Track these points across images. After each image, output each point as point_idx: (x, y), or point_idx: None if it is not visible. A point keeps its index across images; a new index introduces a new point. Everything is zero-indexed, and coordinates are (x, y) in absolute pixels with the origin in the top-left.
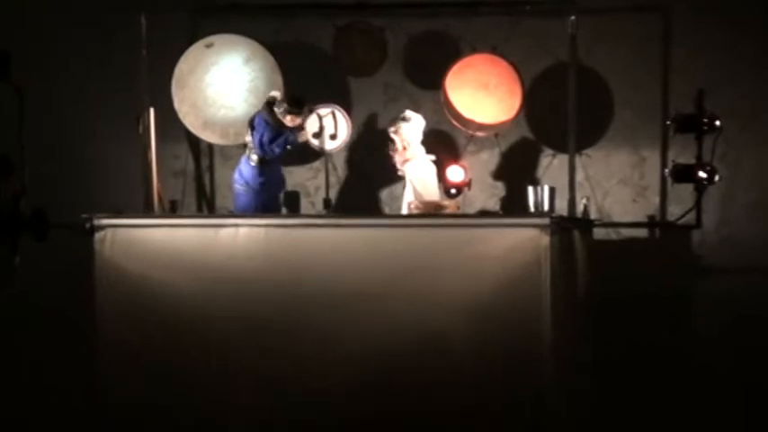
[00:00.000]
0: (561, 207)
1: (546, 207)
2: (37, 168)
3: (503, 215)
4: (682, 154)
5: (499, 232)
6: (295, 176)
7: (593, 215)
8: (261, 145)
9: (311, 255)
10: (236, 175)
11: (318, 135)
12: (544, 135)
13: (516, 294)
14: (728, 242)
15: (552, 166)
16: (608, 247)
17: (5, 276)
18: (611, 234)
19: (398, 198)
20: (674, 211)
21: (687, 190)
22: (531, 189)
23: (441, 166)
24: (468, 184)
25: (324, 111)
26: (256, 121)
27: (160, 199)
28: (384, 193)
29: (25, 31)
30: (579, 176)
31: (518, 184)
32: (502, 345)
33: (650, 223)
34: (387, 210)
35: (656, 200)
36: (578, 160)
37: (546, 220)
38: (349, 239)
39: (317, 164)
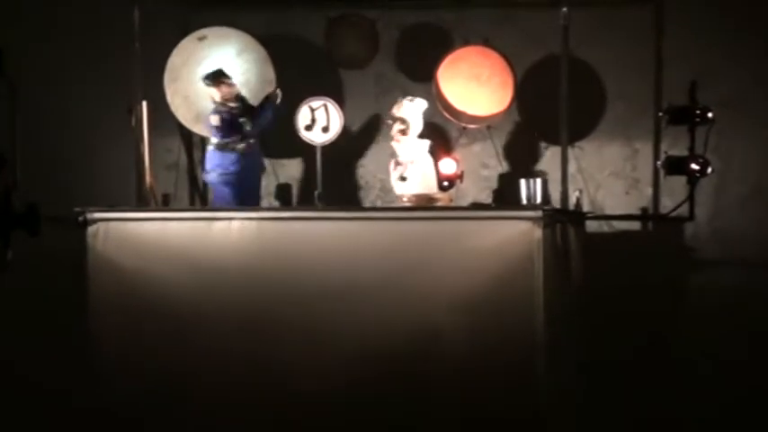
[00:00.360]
0: (554, 199)
1: (538, 199)
2: (29, 162)
3: (495, 208)
4: (674, 146)
5: (492, 225)
6: (287, 169)
7: (585, 207)
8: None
9: (304, 248)
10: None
11: (310, 128)
12: (536, 127)
13: (509, 287)
14: (721, 234)
15: (545, 158)
16: (601, 240)
17: None
18: (604, 226)
19: (391, 191)
20: (666, 204)
21: (680, 182)
22: (523, 182)
23: (433, 159)
24: (460, 176)
25: (316, 103)
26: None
27: (153, 192)
28: (377, 186)
29: (17, 25)
30: (572, 168)
31: (510, 176)
32: (495, 338)
33: (643, 216)
34: (380, 202)
35: (649, 192)
36: (571, 152)
37: (538, 213)
38: (341, 232)
39: (309, 156)
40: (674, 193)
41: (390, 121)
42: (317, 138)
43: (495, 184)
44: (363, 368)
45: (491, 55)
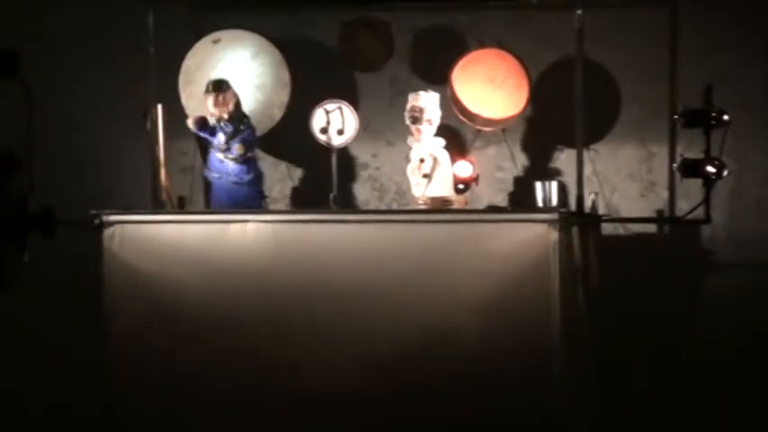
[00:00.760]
0: (569, 202)
1: (554, 202)
2: (44, 165)
3: (511, 211)
4: (690, 149)
5: (507, 228)
6: (301, 173)
7: (601, 210)
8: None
9: (319, 251)
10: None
11: (325, 131)
12: (551, 130)
13: (525, 290)
14: (737, 237)
15: (560, 160)
16: (616, 243)
17: (13, 274)
18: (620, 229)
19: (406, 194)
20: (682, 206)
21: (696, 185)
22: (538, 184)
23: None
24: (475, 179)
25: (330, 106)
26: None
27: (169, 195)
28: (392, 189)
29: (32, 28)
30: (587, 171)
31: (526, 179)
32: (511, 341)
33: (659, 218)
34: (395, 205)
35: (665, 195)
36: (586, 155)
37: (554, 216)
38: (357, 235)
39: (324, 159)
40: (689, 195)
41: (410, 115)
42: (332, 140)
43: (510, 187)
44: (379, 371)
45: (506, 57)
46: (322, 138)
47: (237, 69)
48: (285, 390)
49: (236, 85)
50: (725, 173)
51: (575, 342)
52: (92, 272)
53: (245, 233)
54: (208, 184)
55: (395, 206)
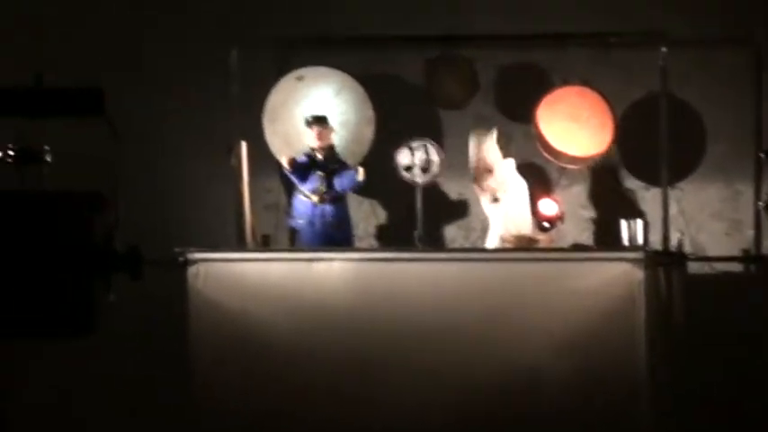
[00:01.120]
0: (654, 240)
1: (639, 241)
2: (129, 203)
3: (596, 249)
4: None
5: (593, 266)
6: (387, 210)
7: (686, 249)
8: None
9: (404, 289)
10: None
11: (410, 168)
12: (636, 168)
13: (611, 328)
14: None
15: (645, 199)
16: (702, 282)
17: (99, 315)
18: (705, 268)
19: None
20: None
21: None
22: (624, 223)
23: (533, 200)
24: (560, 217)
25: (415, 144)
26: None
27: (253, 233)
28: (477, 227)
29: (118, 67)
30: (672, 210)
31: (611, 217)
32: (596, 380)
33: (745, 257)
34: (480, 243)
35: (751, 233)
36: (671, 193)
37: (640, 254)
38: (442, 274)
39: (409, 197)
40: None
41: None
42: (416, 178)
43: (595, 226)
44: (464, 409)
45: (590, 95)
46: (407, 175)
47: (321, 106)
48: (369, 428)
49: None
50: None
51: (660, 381)
52: (176, 309)
53: (329, 271)
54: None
55: (480, 244)
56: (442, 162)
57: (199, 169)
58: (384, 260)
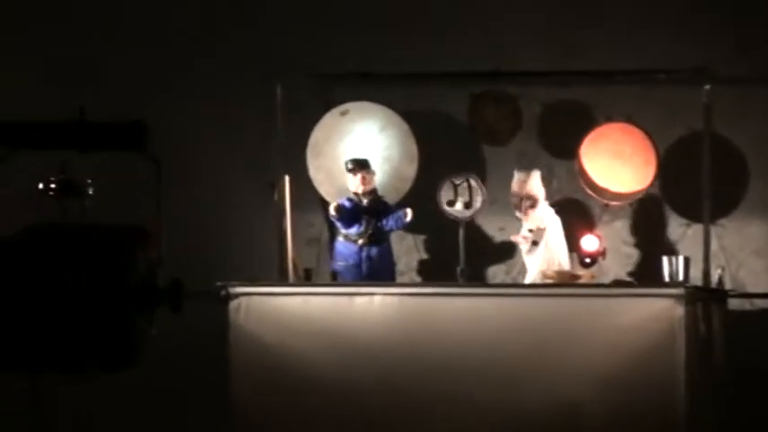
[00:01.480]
0: (695, 277)
1: (681, 277)
2: (172, 237)
3: (637, 285)
4: None
5: (634, 302)
6: (429, 245)
7: (727, 285)
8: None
9: (446, 324)
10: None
11: (453, 203)
12: (678, 204)
13: (651, 365)
14: None
15: (686, 235)
16: (742, 318)
17: (142, 348)
18: (746, 305)
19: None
20: None
21: None
22: (665, 259)
23: (575, 236)
24: (602, 253)
25: (458, 179)
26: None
27: (295, 267)
28: (519, 262)
29: (161, 100)
30: (713, 246)
31: (652, 253)
32: (636, 417)
33: None
34: (521, 279)
35: None
36: (713, 230)
37: (681, 290)
38: (484, 309)
39: (451, 232)
40: None
41: (516, 200)
42: (459, 213)
43: (636, 262)
44: None
45: (634, 132)
46: (449, 210)
47: (365, 142)
48: None
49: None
50: None
51: (701, 417)
52: (218, 343)
53: (370, 306)
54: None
55: (520, 279)
56: (485, 198)
57: (242, 204)
58: (425, 295)
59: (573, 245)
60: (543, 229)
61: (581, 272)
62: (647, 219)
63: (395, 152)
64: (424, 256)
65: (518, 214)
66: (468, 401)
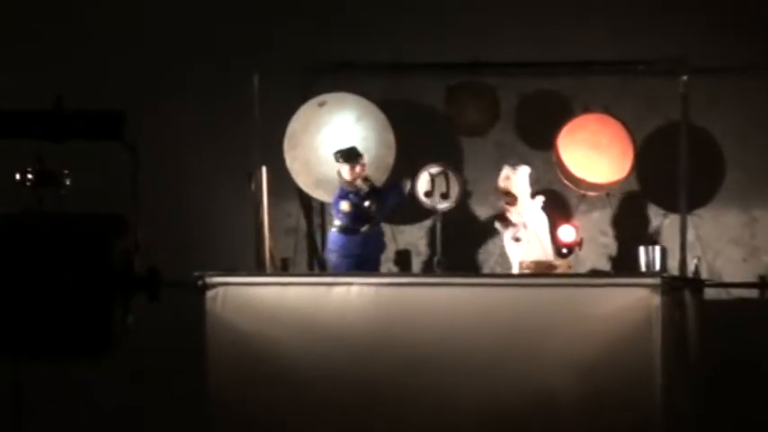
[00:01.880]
0: (672, 267)
1: (657, 267)
2: (149, 226)
3: (614, 275)
4: None
5: (610, 292)
6: (406, 235)
7: (703, 275)
8: (337, 211)
9: (422, 314)
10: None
11: (430, 194)
12: (655, 195)
13: (627, 354)
14: None
15: (663, 225)
16: (719, 307)
17: (118, 337)
18: (722, 294)
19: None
20: None
21: None
22: (642, 249)
23: (552, 226)
24: (579, 243)
25: (435, 170)
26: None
27: (272, 257)
28: (495, 253)
29: (138, 89)
30: (690, 236)
31: (629, 243)
32: (612, 404)
33: (761, 284)
34: (498, 270)
35: (767, 260)
36: (689, 220)
37: (657, 280)
38: (460, 299)
39: (428, 223)
40: None
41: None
42: (436, 204)
43: (613, 252)
44: None
45: (611, 123)
46: (426, 201)
47: (342, 132)
48: None
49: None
50: None
51: (675, 406)
52: (195, 332)
53: (348, 295)
54: (313, 247)
55: (498, 269)
56: (462, 189)
57: (219, 193)
58: (402, 285)
59: (550, 235)
60: (523, 225)
61: (557, 262)
62: (624, 209)
63: (372, 143)
64: (401, 246)
65: (498, 224)
66: (445, 390)
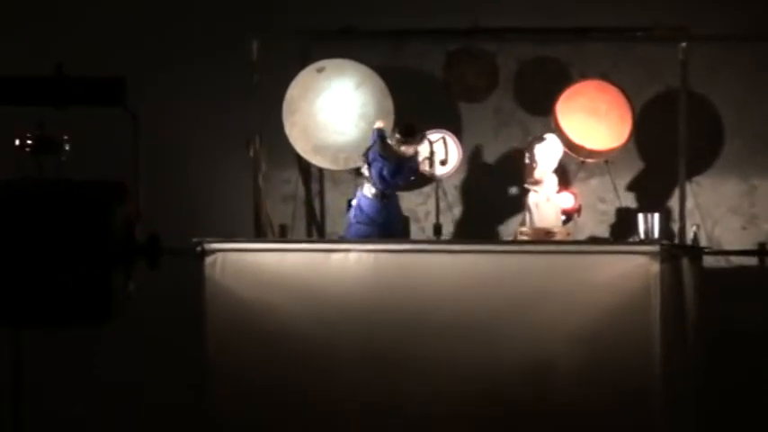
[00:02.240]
0: (671, 234)
1: (656, 234)
2: (148, 192)
3: (612, 242)
4: None
5: (609, 259)
6: (405, 202)
7: (702, 243)
8: (382, 178)
9: (421, 281)
10: (355, 212)
11: (429, 160)
12: (654, 162)
13: (626, 322)
14: None
15: (662, 193)
16: (718, 275)
17: (119, 304)
18: (721, 262)
19: (509, 225)
20: None
21: None
22: (640, 216)
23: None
24: (578, 210)
25: (434, 136)
26: (371, 155)
27: (270, 224)
28: (495, 220)
29: (138, 55)
30: (689, 204)
31: (628, 210)
32: (611, 372)
33: (761, 251)
34: (499, 237)
35: (767, 227)
36: (688, 188)
37: (656, 248)
38: (458, 265)
39: (427, 189)
40: None
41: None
42: (435, 170)
43: (612, 219)
44: (479, 399)
45: (609, 89)
46: (426, 168)
47: (341, 99)
48: (384, 419)
49: (339, 115)
50: None
51: (674, 374)
52: (194, 298)
53: (347, 262)
54: (311, 214)
55: (499, 237)
56: (461, 155)
57: (218, 160)
58: (401, 251)
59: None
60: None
61: (556, 229)
62: (623, 176)
63: (371, 109)
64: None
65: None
66: (443, 358)
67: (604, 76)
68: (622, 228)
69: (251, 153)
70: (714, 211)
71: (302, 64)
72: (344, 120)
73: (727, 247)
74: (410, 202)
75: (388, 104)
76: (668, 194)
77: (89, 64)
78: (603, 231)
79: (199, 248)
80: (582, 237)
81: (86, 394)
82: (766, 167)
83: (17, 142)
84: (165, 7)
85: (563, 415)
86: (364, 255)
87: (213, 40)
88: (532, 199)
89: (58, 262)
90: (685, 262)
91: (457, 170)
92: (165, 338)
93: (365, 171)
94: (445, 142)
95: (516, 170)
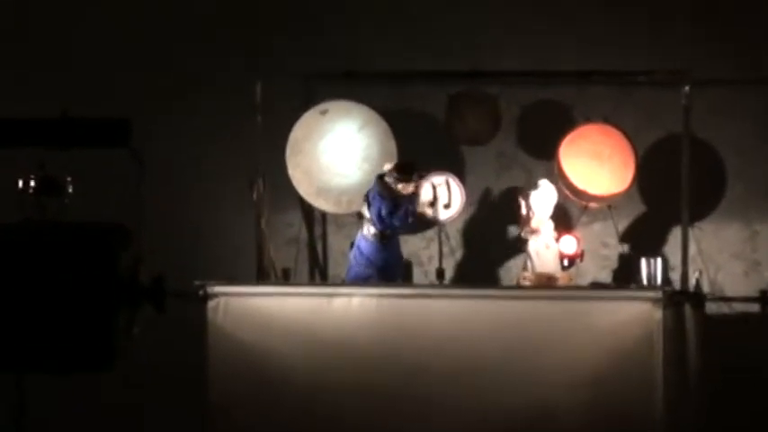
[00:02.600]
0: (674, 280)
1: (659, 280)
2: (151, 235)
3: (615, 288)
4: None
5: (611, 305)
6: (408, 246)
7: (705, 289)
8: (380, 219)
9: (423, 325)
10: (355, 253)
11: (432, 204)
12: (657, 207)
13: (628, 368)
14: None
15: (665, 238)
16: (720, 321)
17: (123, 347)
18: (724, 308)
19: (512, 269)
20: None
21: None
22: (643, 261)
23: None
24: (580, 255)
25: (437, 180)
26: (371, 195)
27: (273, 268)
28: (497, 265)
29: (143, 97)
30: (691, 250)
31: (631, 256)
32: (614, 417)
33: (763, 298)
34: (501, 282)
35: None
36: (690, 233)
37: (659, 294)
38: (461, 310)
39: (431, 233)
40: None
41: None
42: (438, 214)
43: (615, 263)
44: None
45: (612, 133)
46: (429, 212)
47: (345, 141)
48: None
49: (342, 157)
50: None
51: (677, 420)
52: (196, 342)
53: (349, 306)
54: (314, 257)
55: (501, 282)
56: (464, 198)
57: (222, 202)
58: (405, 296)
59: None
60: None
61: (559, 274)
62: (625, 221)
63: (374, 151)
64: (405, 257)
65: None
66: (445, 403)
67: (607, 120)
68: (624, 272)
69: (254, 195)
70: (716, 257)
71: (306, 106)
72: (348, 162)
73: (730, 292)
74: (414, 246)
75: (392, 146)
76: (671, 239)
77: (92, 107)
78: (606, 276)
79: (201, 292)
80: (584, 281)
81: None
82: (767, 212)
83: (20, 184)
84: (170, 50)
85: None
86: (366, 299)
87: (217, 83)
88: (532, 246)
89: (60, 307)
90: (688, 308)
91: (460, 214)
92: (168, 381)
93: (365, 212)
94: (449, 186)
95: (519, 212)
